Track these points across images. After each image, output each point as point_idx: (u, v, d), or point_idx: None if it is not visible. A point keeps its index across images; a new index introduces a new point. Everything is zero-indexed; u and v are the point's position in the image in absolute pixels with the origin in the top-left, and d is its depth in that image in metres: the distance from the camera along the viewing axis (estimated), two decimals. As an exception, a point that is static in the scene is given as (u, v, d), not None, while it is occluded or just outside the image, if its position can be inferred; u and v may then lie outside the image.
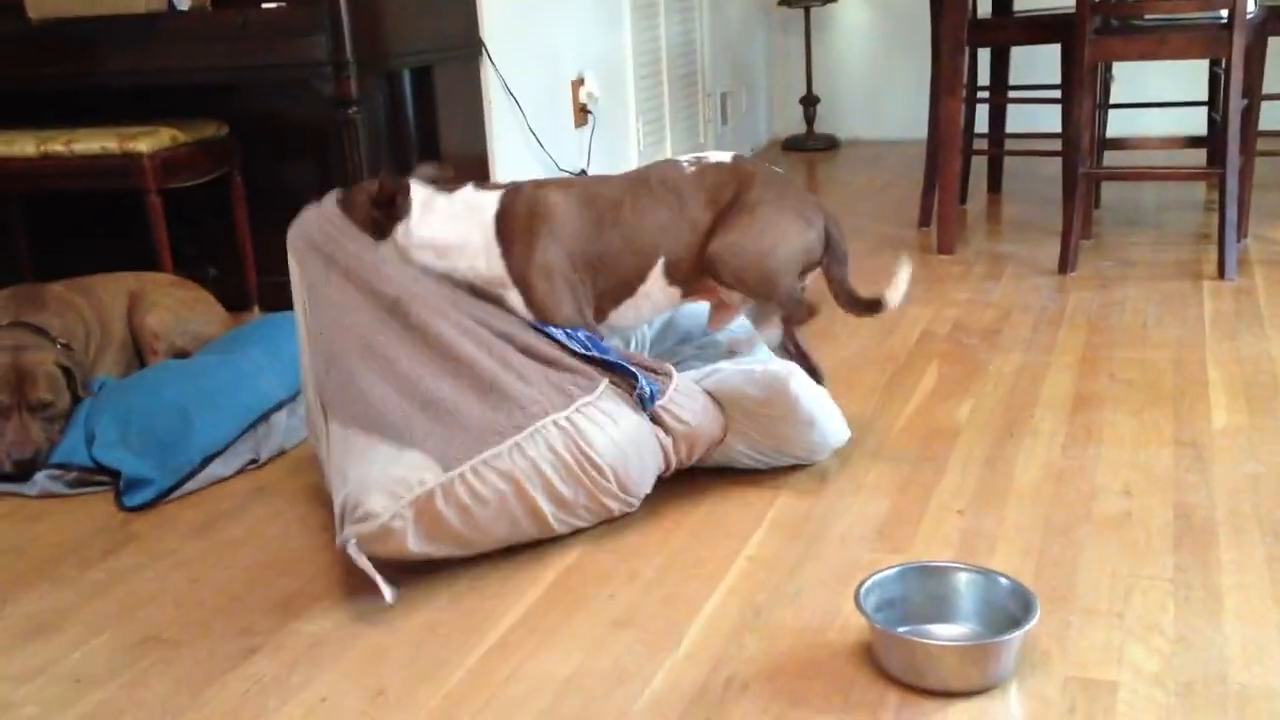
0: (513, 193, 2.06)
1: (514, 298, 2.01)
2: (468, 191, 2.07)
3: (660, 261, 2.04)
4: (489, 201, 2.05)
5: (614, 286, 2.05)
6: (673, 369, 1.99)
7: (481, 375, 1.83)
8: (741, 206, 2.06)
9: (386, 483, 1.70)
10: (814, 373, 2.10)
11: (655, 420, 1.92)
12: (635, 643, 1.60)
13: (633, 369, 1.92)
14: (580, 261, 2.02)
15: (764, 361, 2.05)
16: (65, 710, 1.53)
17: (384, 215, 2.02)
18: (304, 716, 1.49)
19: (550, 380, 1.86)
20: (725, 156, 2.14)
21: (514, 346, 1.90)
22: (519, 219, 2.01)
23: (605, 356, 1.93)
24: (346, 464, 1.78)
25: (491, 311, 1.98)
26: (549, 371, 1.88)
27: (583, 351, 1.92)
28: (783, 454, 2.07)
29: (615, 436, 1.85)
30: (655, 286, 2.06)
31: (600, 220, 2.03)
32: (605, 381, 1.89)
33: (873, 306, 2.15)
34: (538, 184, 2.08)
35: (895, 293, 2.14)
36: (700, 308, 2.29)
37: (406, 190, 2.03)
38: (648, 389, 1.90)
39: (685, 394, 1.96)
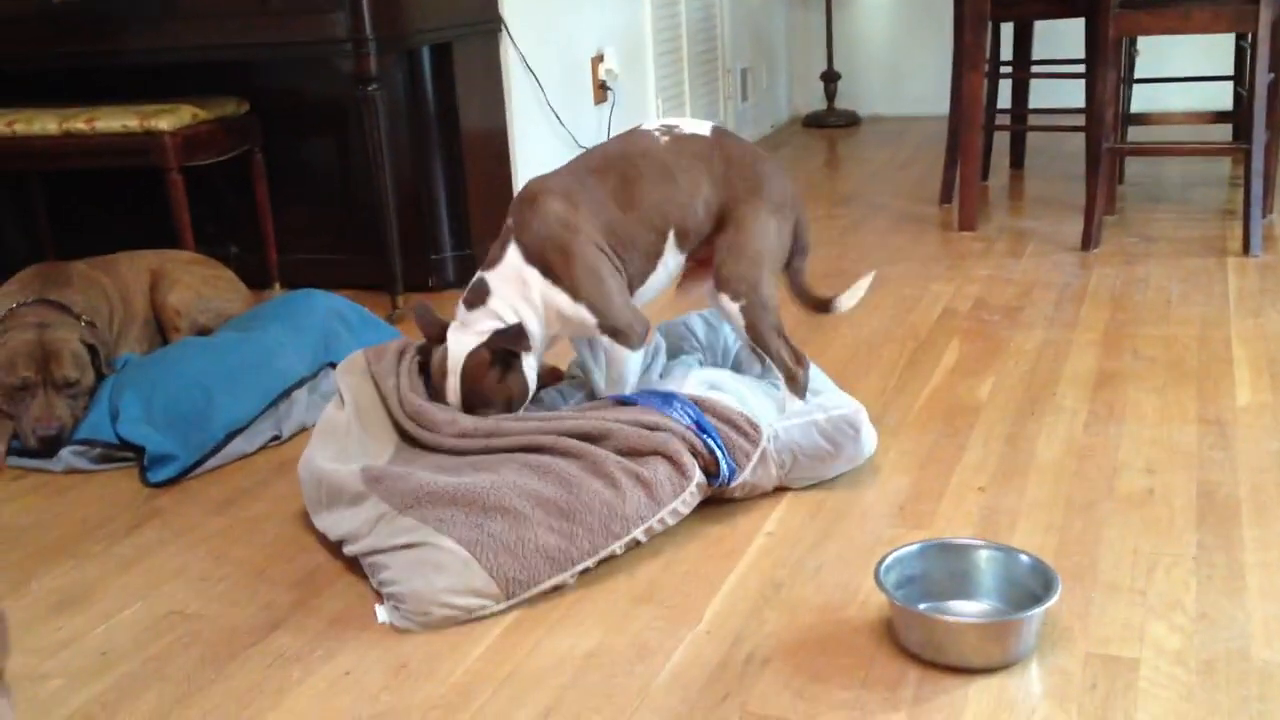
0: (521, 231, 1.99)
1: (584, 313, 1.98)
2: (492, 272, 1.99)
3: (671, 232, 2.05)
4: (511, 256, 1.98)
5: (640, 265, 2.05)
6: (762, 431, 1.92)
7: (564, 496, 1.74)
8: (734, 200, 2.06)
9: (449, 603, 1.63)
10: (799, 359, 2.08)
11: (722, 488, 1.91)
12: (656, 618, 1.61)
13: (718, 443, 1.86)
14: (609, 250, 2.02)
15: (825, 409, 1.98)
16: (91, 683, 1.55)
17: (515, 359, 1.98)
18: (327, 689, 1.50)
19: (641, 480, 1.79)
20: (703, 128, 2.11)
21: (611, 444, 1.83)
22: (548, 244, 1.96)
23: (699, 425, 1.87)
24: (396, 541, 1.70)
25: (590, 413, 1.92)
26: (640, 474, 1.79)
27: (683, 423, 1.87)
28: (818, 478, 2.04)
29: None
30: (670, 255, 2.07)
31: (610, 209, 2.02)
32: (694, 483, 1.83)
33: (823, 306, 2.18)
34: (536, 201, 2.00)
35: (850, 298, 2.18)
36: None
37: (521, 332, 1.96)
38: (726, 472, 1.86)
39: (763, 463, 1.92)
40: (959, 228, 3.59)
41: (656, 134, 2.09)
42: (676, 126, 2.11)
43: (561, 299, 1.97)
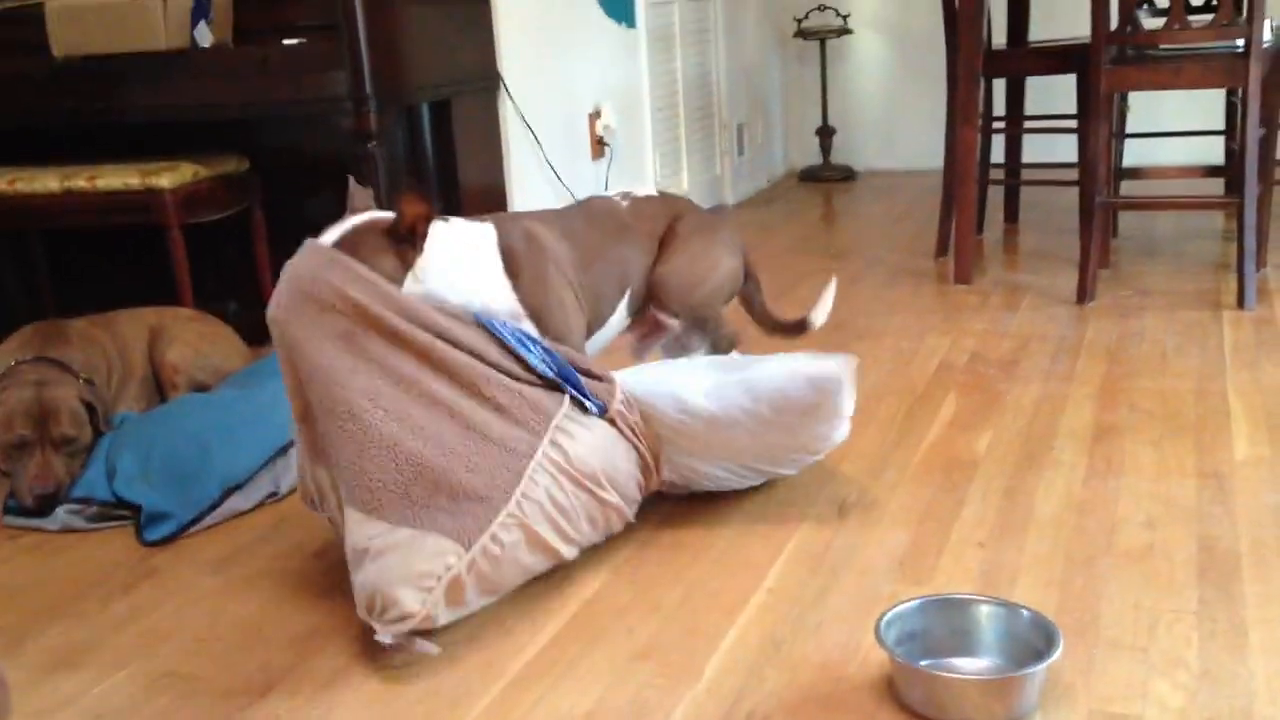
0: (505, 226, 1.99)
1: (529, 328, 1.97)
2: (457, 224, 1.95)
3: (628, 292, 2.08)
4: (485, 236, 1.95)
5: (593, 319, 2.08)
6: (612, 374, 1.95)
7: (475, 427, 1.74)
8: (678, 235, 2.17)
9: (412, 577, 1.63)
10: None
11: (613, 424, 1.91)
12: (655, 676, 1.60)
13: (578, 383, 1.87)
14: (576, 288, 2.04)
15: (812, 360, 1.99)
16: (86, 745, 1.53)
17: (407, 249, 1.84)
18: (324, 752, 1.48)
19: (528, 402, 1.80)
20: (652, 190, 2.24)
21: (493, 370, 1.80)
22: (523, 254, 1.96)
23: (559, 370, 1.87)
24: (359, 543, 1.70)
25: (471, 333, 1.83)
26: (524, 392, 1.81)
27: (543, 369, 1.85)
28: (774, 466, 2.04)
29: (592, 441, 1.84)
30: (618, 316, 2.11)
31: (583, 255, 2.05)
32: (567, 398, 1.85)
33: (798, 328, 2.30)
34: (518, 218, 2.04)
35: (820, 312, 2.29)
36: None
37: (430, 217, 1.85)
38: (593, 407, 1.87)
39: (630, 401, 1.94)
40: (954, 281, 3.61)
41: (615, 198, 2.19)
42: (631, 193, 2.21)
43: (511, 302, 1.92)
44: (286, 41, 2.94)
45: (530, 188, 3.65)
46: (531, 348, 1.85)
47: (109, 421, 2.42)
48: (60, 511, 2.25)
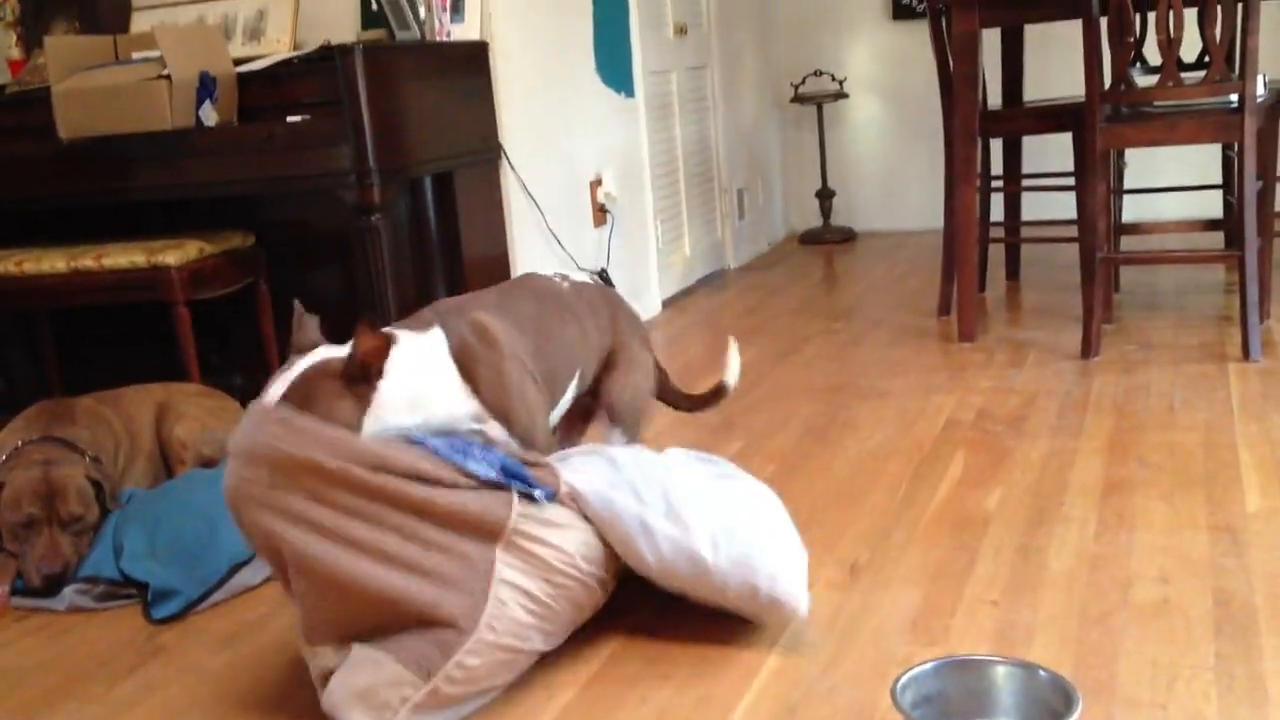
0: (452, 325, 1.85)
1: (494, 429, 1.86)
2: (405, 342, 1.79)
3: (578, 373, 2.07)
4: (435, 345, 1.82)
5: (550, 400, 2.01)
6: (550, 461, 1.84)
7: (432, 547, 1.67)
8: (624, 344, 2.18)
9: (371, 701, 1.61)
10: None
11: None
12: (669, 746, 1.58)
13: (524, 475, 1.76)
14: (534, 372, 1.95)
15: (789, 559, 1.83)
16: (93, 829, 1.51)
17: (364, 388, 1.72)
18: (334, 830, 1.46)
19: (475, 513, 1.69)
20: (587, 279, 2.23)
21: (434, 489, 1.69)
22: (477, 353, 1.84)
23: (502, 467, 1.75)
24: (326, 665, 1.69)
25: (405, 455, 1.70)
26: (468, 503, 1.69)
27: (484, 472, 1.73)
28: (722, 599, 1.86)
29: (558, 527, 1.76)
30: (569, 395, 2.08)
31: (536, 341, 1.97)
32: (515, 495, 1.73)
33: (717, 394, 2.30)
34: (463, 309, 1.91)
35: (731, 374, 2.30)
36: None
37: (386, 352, 1.72)
38: (542, 496, 1.75)
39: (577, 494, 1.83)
40: (959, 339, 3.61)
41: (555, 278, 2.16)
42: (568, 276, 2.19)
43: (472, 406, 1.82)
44: (290, 118, 2.97)
45: (533, 256, 3.67)
46: (469, 452, 1.74)
47: (116, 499, 2.42)
48: (68, 591, 2.24)
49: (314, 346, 1.77)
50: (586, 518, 1.81)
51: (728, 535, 1.80)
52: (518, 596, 1.70)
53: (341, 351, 1.74)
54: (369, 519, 1.65)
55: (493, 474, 1.72)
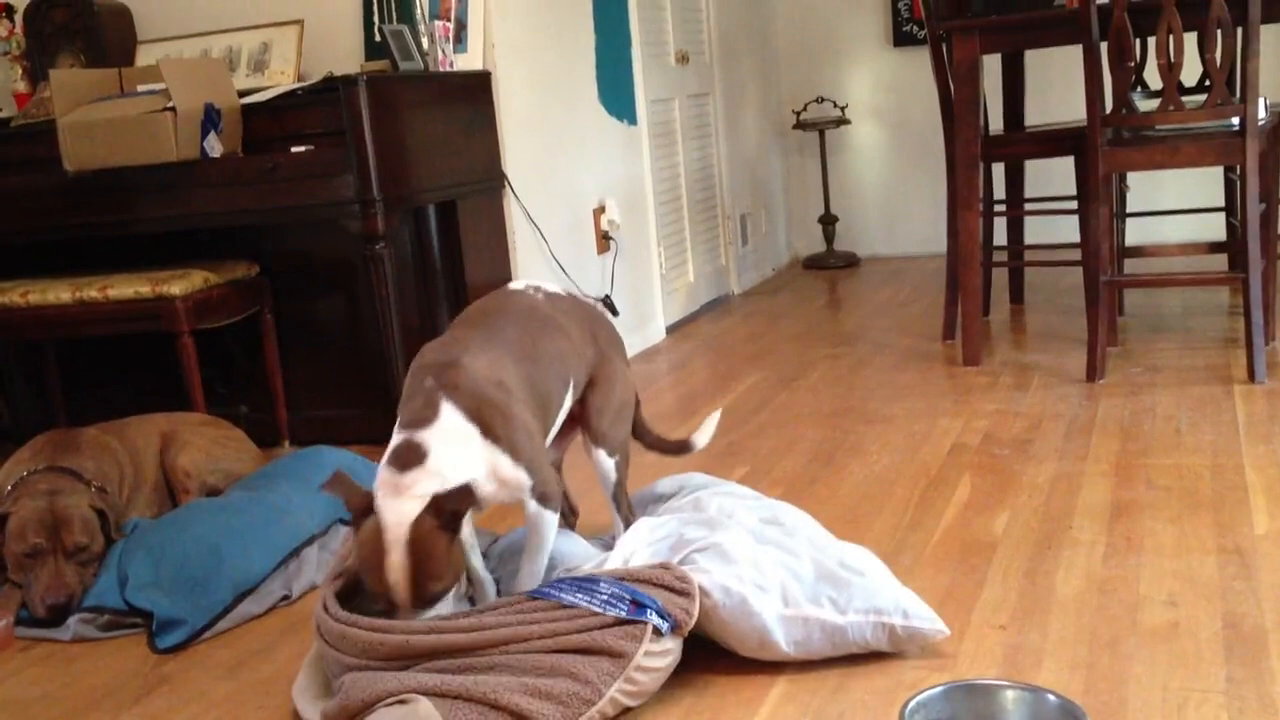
0: (457, 391, 1.82)
1: (522, 476, 1.84)
2: (425, 430, 1.80)
3: (571, 382, 2.07)
4: (447, 413, 1.80)
5: (552, 416, 2.02)
6: (689, 577, 1.80)
7: (538, 680, 1.66)
8: (605, 357, 2.15)
9: None
10: (631, 510, 2.16)
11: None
12: (676, 774, 1.57)
13: (655, 605, 1.76)
14: (532, 407, 1.94)
15: (906, 614, 1.82)
16: None
17: (457, 526, 1.76)
18: None
19: (602, 647, 1.70)
20: (560, 289, 2.18)
21: (540, 649, 1.71)
22: (488, 407, 1.82)
23: (633, 599, 1.75)
24: (362, 687, 1.67)
25: (527, 612, 1.77)
26: (597, 639, 1.71)
27: (615, 610, 1.74)
28: None
29: (665, 645, 1.76)
30: (566, 403, 2.08)
31: (526, 369, 1.95)
32: (649, 629, 1.73)
33: (681, 448, 2.29)
34: (454, 359, 1.87)
35: (702, 436, 2.28)
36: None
37: (472, 498, 1.76)
38: (667, 626, 1.75)
39: (704, 609, 1.81)
40: (963, 363, 3.61)
41: (530, 292, 2.12)
42: (541, 287, 2.15)
43: (503, 460, 1.81)
44: (295, 149, 2.99)
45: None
46: (596, 590, 1.77)
47: (120, 529, 2.41)
48: (72, 621, 2.23)
49: (368, 501, 1.77)
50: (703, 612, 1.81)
51: (843, 591, 1.84)
52: (603, 708, 1.68)
53: (403, 502, 1.73)
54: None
55: (624, 611, 1.73)
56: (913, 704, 1.52)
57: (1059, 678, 1.71)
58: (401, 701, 1.62)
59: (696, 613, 1.78)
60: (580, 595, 1.76)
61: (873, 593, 1.83)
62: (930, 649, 1.84)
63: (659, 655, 1.74)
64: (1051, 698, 1.53)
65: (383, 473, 1.77)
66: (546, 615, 1.74)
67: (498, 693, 1.62)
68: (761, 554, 1.90)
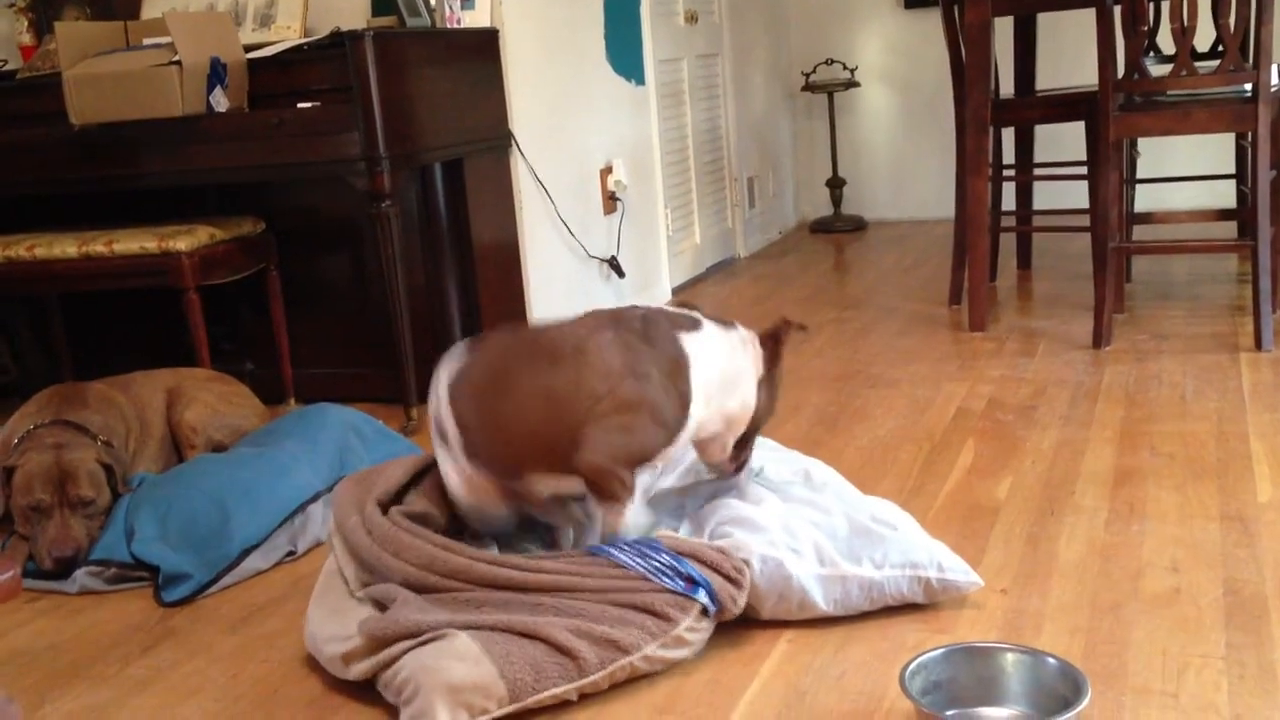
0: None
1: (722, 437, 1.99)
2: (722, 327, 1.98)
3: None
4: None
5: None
6: (745, 568, 1.82)
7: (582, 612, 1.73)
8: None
9: (454, 695, 1.59)
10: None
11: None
12: (678, 731, 1.58)
13: (706, 585, 1.78)
14: None
15: (941, 568, 1.86)
16: (105, 809, 1.52)
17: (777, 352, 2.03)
18: (344, 812, 1.46)
19: (646, 605, 1.74)
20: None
21: (594, 600, 1.76)
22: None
23: (687, 580, 1.78)
24: (407, 620, 1.70)
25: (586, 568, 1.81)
26: (648, 600, 1.75)
27: (672, 587, 1.77)
28: None
29: (704, 623, 1.80)
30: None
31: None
32: (696, 607, 1.77)
33: None
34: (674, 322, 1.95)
35: None
36: None
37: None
38: (714, 607, 1.78)
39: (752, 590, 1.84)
40: (969, 328, 3.61)
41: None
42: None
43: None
44: (301, 105, 2.97)
45: (543, 244, 3.67)
46: (654, 559, 1.80)
47: (127, 483, 2.42)
48: (79, 574, 2.25)
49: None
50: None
51: (878, 547, 1.87)
52: (635, 663, 1.71)
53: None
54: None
55: (679, 586, 1.76)
56: (913, 665, 1.53)
57: (1059, 642, 1.72)
58: (439, 637, 1.64)
59: (743, 605, 1.81)
60: (637, 559, 1.80)
61: (907, 547, 1.86)
62: (931, 613, 1.85)
63: (698, 632, 1.77)
64: (1052, 661, 1.53)
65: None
66: (601, 571, 1.79)
67: (538, 625, 1.66)
68: (791, 515, 1.93)
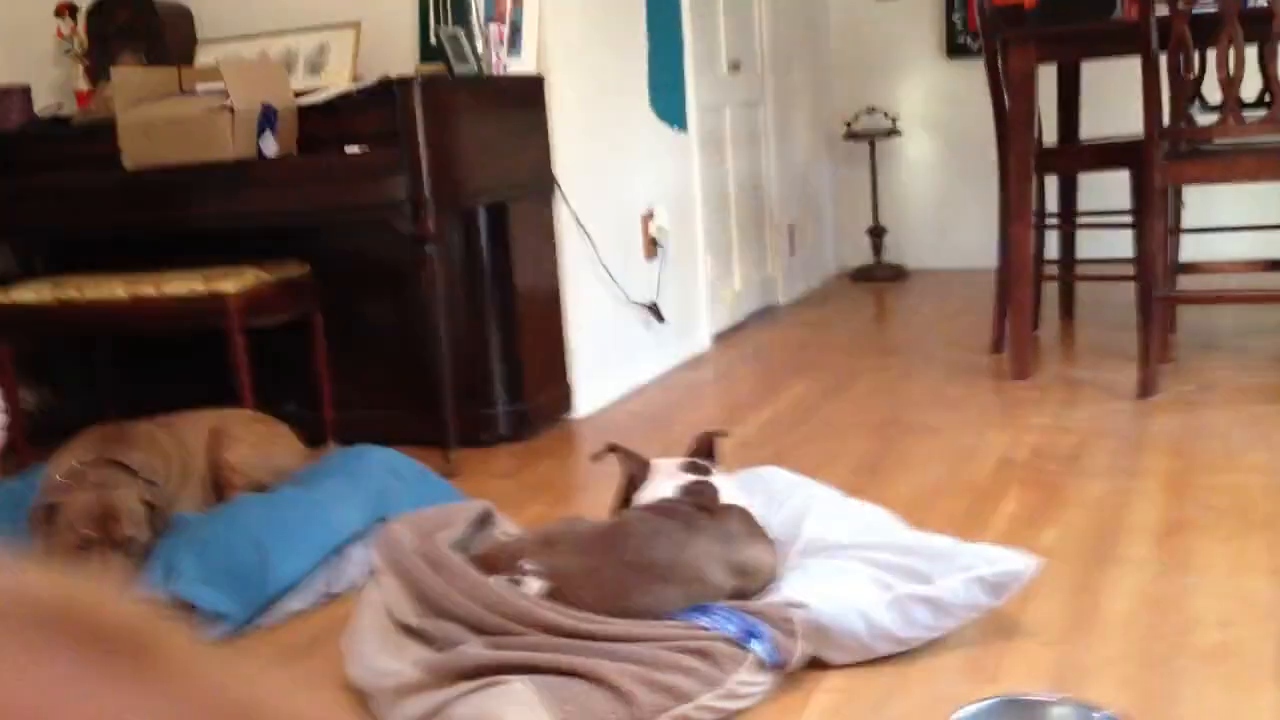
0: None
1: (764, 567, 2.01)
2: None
3: None
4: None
5: None
6: (797, 624, 1.81)
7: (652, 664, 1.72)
8: None
9: None
10: None
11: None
12: (717, 781, 1.55)
13: (762, 636, 1.78)
14: None
15: (990, 562, 1.88)
16: None
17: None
18: None
19: (705, 650, 1.74)
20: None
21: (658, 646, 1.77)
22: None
23: (743, 631, 1.78)
24: (464, 688, 1.69)
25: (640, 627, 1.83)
26: (704, 646, 1.75)
27: (724, 630, 1.78)
28: None
29: (762, 677, 1.78)
30: None
31: None
32: (750, 658, 1.76)
33: None
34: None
35: None
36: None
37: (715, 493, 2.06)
38: (770, 660, 1.76)
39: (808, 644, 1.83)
40: (1012, 377, 3.57)
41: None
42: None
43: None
44: (349, 149, 3.01)
45: (584, 288, 3.68)
46: (711, 611, 1.83)
47: (169, 522, 2.44)
48: (120, 612, 2.25)
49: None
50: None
51: (926, 563, 1.89)
52: (689, 712, 1.70)
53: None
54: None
55: (732, 629, 1.77)
56: (960, 717, 1.51)
57: (1107, 695, 1.68)
58: (496, 684, 1.65)
59: (801, 652, 1.80)
60: (696, 614, 1.82)
61: (952, 554, 1.89)
62: (977, 664, 1.82)
63: (755, 685, 1.75)
64: (1102, 714, 1.50)
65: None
66: (661, 624, 1.81)
67: (592, 667, 1.66)
68: (840, 557, 1.96)
